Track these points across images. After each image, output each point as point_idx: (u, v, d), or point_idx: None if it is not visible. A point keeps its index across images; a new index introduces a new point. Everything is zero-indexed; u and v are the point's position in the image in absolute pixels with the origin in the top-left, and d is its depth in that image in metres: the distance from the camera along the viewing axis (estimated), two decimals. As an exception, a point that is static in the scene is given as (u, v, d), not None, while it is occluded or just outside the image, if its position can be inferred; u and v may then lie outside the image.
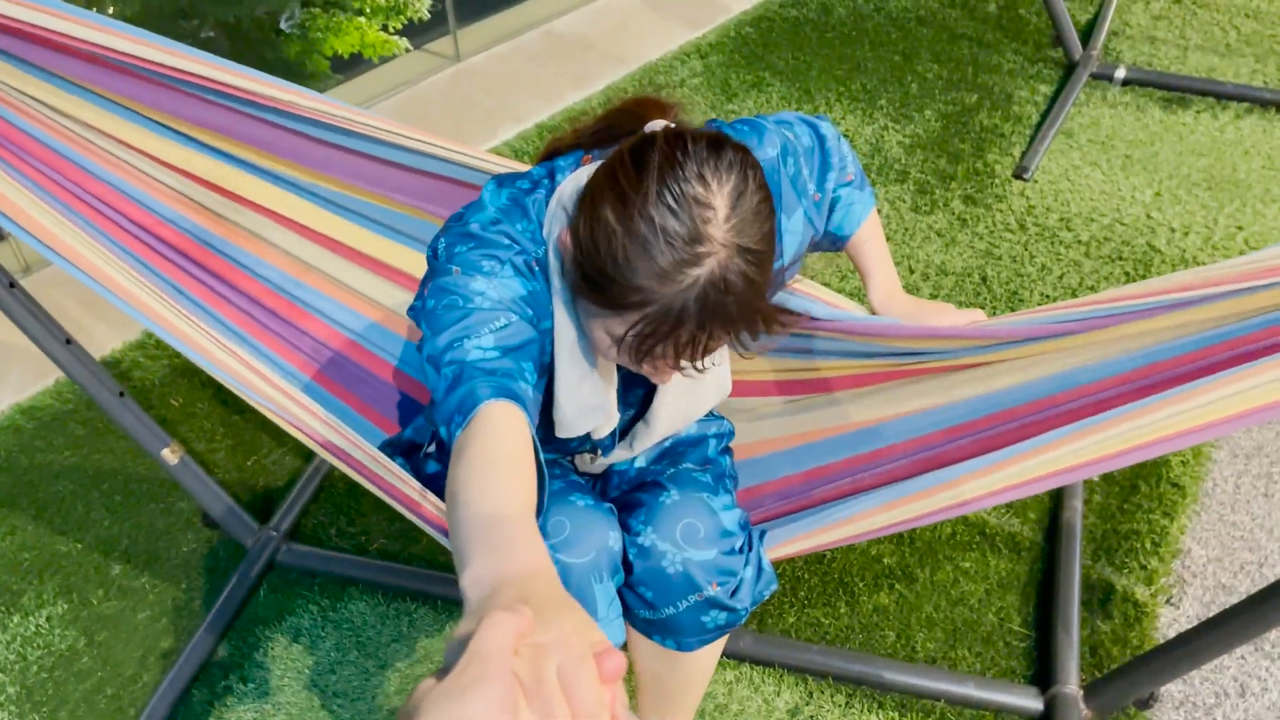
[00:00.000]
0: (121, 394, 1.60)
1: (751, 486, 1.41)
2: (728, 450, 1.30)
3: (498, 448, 0.79)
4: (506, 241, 0.95)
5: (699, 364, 0.91)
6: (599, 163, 0.93)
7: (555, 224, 0.96)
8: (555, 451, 1.22)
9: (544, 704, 0.50)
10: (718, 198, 0.84)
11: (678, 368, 0.91)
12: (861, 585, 1.69)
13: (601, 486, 1.26)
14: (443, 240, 0.96)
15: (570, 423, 1.04)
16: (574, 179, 0.97)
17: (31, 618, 1.72)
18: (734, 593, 1.10)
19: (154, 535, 1.85)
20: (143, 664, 1.66)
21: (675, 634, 1.13)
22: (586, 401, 1.03)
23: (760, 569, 1.13)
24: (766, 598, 1.15)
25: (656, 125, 0.94)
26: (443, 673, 0.52)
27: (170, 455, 1.65)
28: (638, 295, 0.85)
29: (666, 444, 1.26)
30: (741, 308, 0.86)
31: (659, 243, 0.83)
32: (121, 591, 1.76)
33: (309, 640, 1.66)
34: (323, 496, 1.89)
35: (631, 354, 0.89)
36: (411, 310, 0.95)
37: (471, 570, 0.63)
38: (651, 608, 1.10)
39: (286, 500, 1.85)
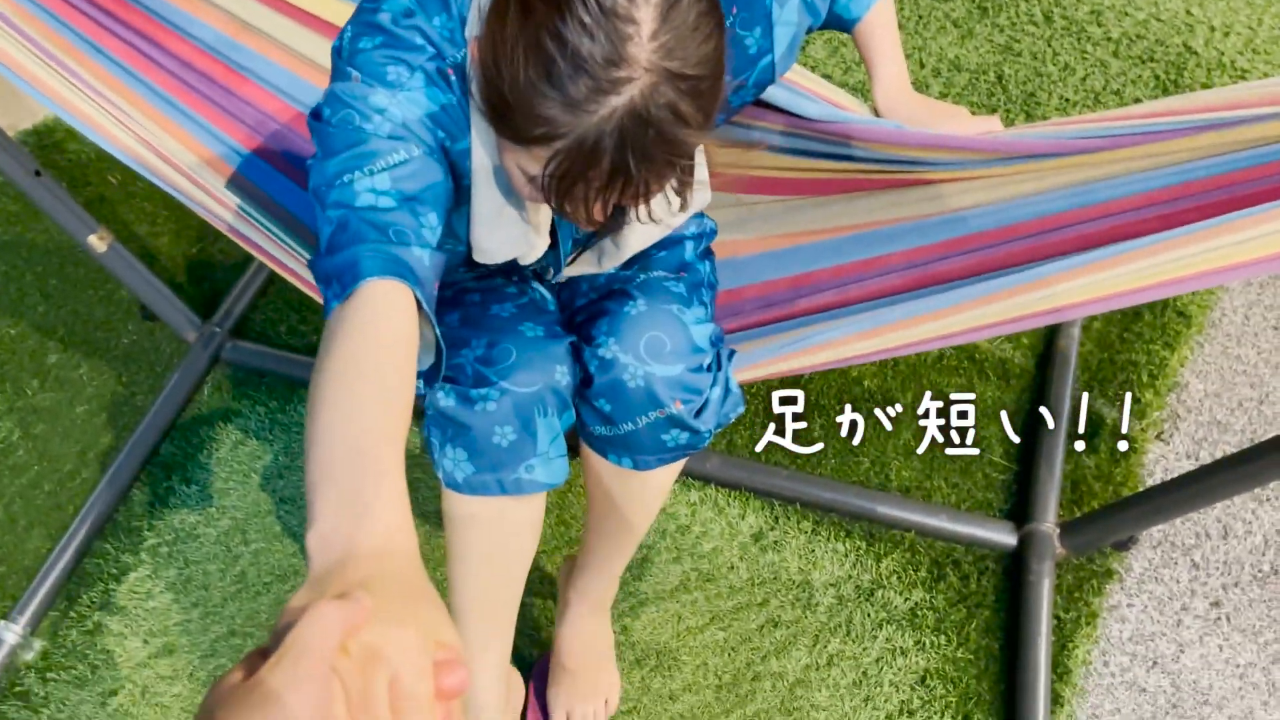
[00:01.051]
0: (38, 173, 1.45)
1: (733, 289, 1.30)
2: (708, 254, 1.17)
3: (373, 349, 0.68)
4: (419, 41, 0.79)
5: (632, 213, 0.77)
6: None
7: (475, 26, 0.80)
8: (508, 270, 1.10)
9: None
10: (642, 9, 0.67)
11: (596, 217, 0.77)
12: (838, 408, 1.60)
13: (568, 294, 1.14)
14: (349, 29, 0.80)
15: (488, 252, 0.91)
16: None
17: (-37, 407, 1.64)
18: (698, 413, 1.00)
19: (92, 324, 1.74)
20: (81, 460, 1.58)
21: (632, 452, 1.04)
22: (506, 231, 0.90)
23: (727, 390, 1.03)
24: (731, 421, 1.05)
25: None
26: (261, 655, 0.45)
27: (98, 242, 1.52)
28: (543, 127, 0.70)
29: None
30: (669, 146, 0.71)
31: (568, 65, 0.67)
32: (59, 383, 1.67)
33: (256, 443, 1.58)
34: (272, 290, 1.77)
35: (546, 196, 0.75)
36: (310, 116, 0.80)
37: (319, 528, 0.55)
38: (609, 423, 1.01)
39: (232, 294, 1.73)
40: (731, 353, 1.05)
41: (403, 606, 0.49)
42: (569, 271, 1.09)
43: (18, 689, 1.36)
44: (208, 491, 1.54)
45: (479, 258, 0.92)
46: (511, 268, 1.08)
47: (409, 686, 0.45)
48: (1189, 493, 1.24)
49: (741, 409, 1.05)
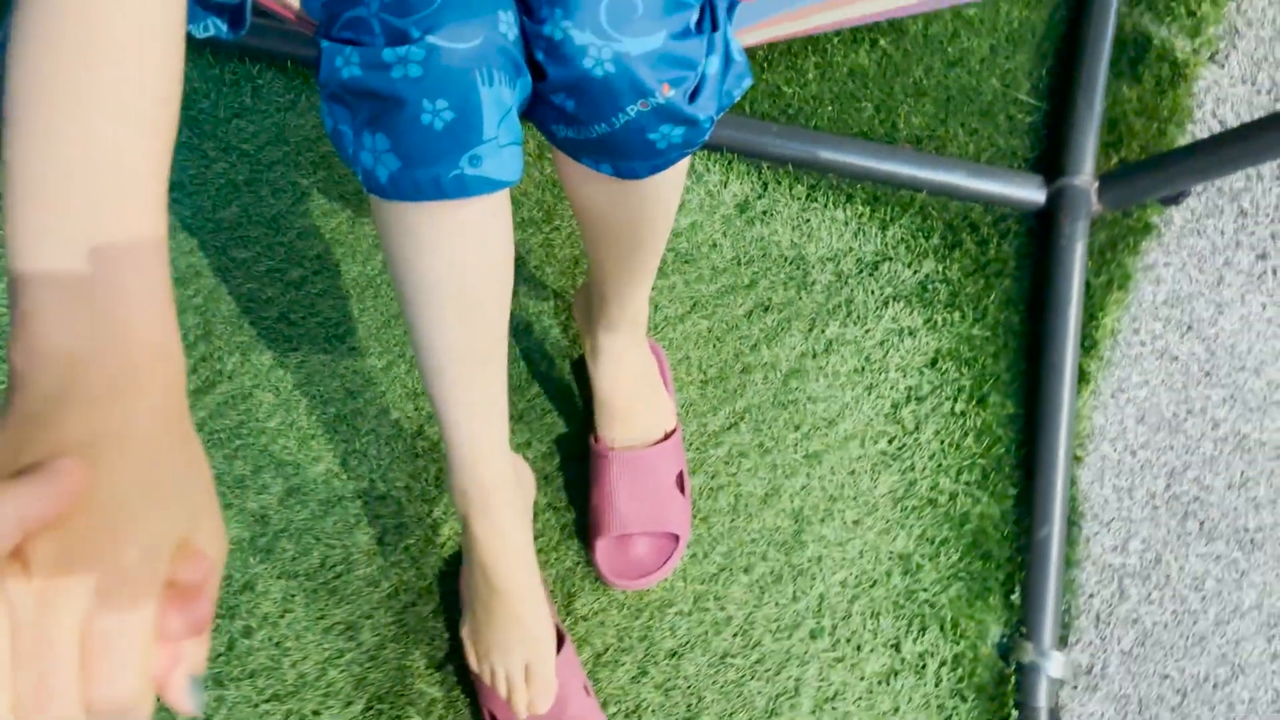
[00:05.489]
0: None
1: None
2: None
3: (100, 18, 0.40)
4: None
5: None
6: None
7: None
8: None
9: (39, 679, 0.29)
10: None
11: None
12: (836, 42, 1.31)
13: None
14: None
15: None
16: None
17: None
18: (693, 96, 0.73)
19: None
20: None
21: (613, 157, 0.77)
22: None
23: (729, 58, 0.75)
24: (737, 100, 0.78)
25: None
26: None
27: None
28: None
29: None
30: None
31: None
32: None
33: None
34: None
35: None
36: None
37: (29, 334, 0.34)
38: (575, 123, 0.73)
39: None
40: (732, 3, 0.76)
41: (143, 486, 0.33)
42: None
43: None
44: None
45: None
46: None
47: (110, 627, 0.31)
48: (1268, 140, 1.03)
49: (749, 82, 0.77)
